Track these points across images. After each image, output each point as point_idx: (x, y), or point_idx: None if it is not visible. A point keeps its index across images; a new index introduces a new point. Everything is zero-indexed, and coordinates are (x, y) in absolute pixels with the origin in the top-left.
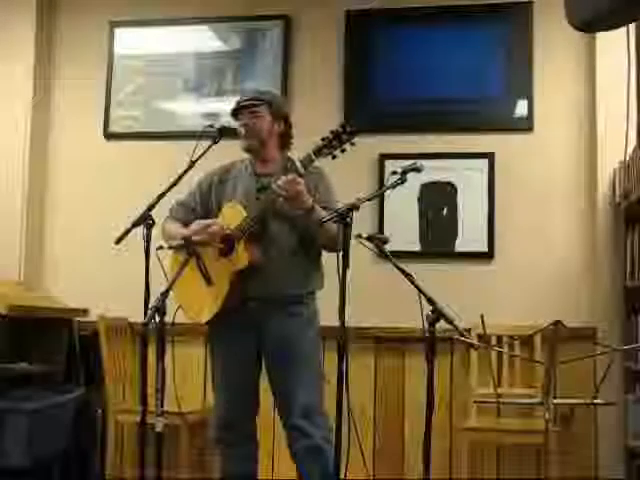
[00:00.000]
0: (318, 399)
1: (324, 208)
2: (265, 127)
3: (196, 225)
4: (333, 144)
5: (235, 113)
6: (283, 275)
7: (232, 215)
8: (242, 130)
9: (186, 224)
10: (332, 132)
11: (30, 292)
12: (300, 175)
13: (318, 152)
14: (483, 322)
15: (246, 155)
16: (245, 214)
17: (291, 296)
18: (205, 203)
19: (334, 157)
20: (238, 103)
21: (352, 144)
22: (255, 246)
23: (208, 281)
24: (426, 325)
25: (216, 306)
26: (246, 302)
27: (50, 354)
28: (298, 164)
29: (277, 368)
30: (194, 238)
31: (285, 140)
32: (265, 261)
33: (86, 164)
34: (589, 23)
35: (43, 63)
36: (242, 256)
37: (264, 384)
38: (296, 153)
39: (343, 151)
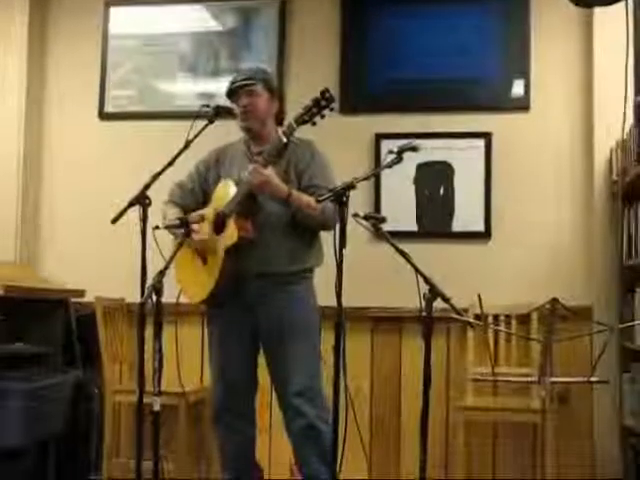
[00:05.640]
0: (315, 378)
1: (312, 186)
2: (264, 106)
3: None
4: (313, 111)
5: (231, 93)
6: (278, 253)
7: (224, 192)
8: (240, 110)
9: (184, 207)
10: (312, 100)
11: (26, 273)
12: (285, 145)
13: (299, 120)
14: (480, 301)
15: (241, 134)
16: (235, 191)
17: (287, 274)
18: (203, 185)
19: (314, 124)
20: (233, 83)
21: (331, 109)
22: (247, 222)
23: (204, 260)
24: (423, 304)
25: (210, 284)
26: (242, 280)
27: (47, 335)
28: (281, 134)
29: (273, 347)
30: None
31: (280, 117)
32: (259, 238)
33: (81, 145)
34: None
35: (37, 43)
36: (232, 232)
37: (263, 364)
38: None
39: (323, 117)
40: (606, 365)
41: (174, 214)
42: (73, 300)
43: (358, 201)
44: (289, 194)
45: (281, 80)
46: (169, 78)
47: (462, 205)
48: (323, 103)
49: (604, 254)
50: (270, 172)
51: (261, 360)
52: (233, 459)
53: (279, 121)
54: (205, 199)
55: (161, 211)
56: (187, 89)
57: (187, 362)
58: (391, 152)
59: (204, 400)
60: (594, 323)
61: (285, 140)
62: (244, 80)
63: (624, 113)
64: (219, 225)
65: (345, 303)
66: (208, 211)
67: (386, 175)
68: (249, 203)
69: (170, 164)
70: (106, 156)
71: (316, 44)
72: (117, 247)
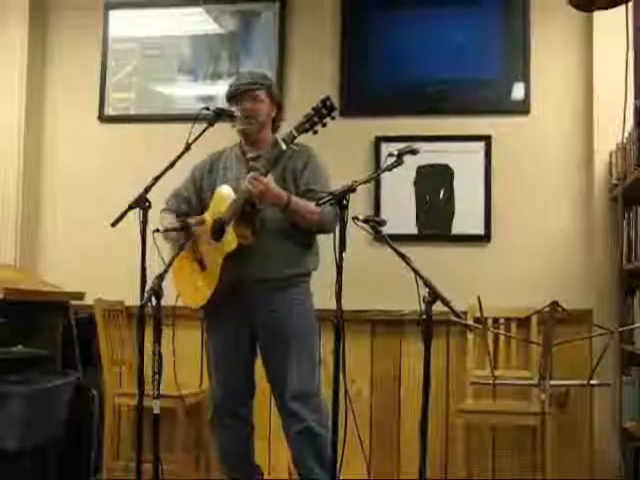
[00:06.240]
0: (312, 382)
1: (310, 191)
2: (265, 111)
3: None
4: (314, 119)
5: (232, 97)
6: (277, 258)
7: (221, 199)
8: (241, 114)
9: (180, 215)
10: (313, 108)
11: (26, 276)
12: (282, 152)
13: (300, 128)
14: (480, 304)
15: (236, 140)
16: (234, 197)
17: (285, 278)
18: (198, 193)
19: (315, 132)
20: (237, 87)
21: (332, 118)
22: (246, 228)
23: (202, 266)
24: (423, 307)
25: (209, 291)
26: (240, 286)
27: (46, 338)
28: (281, 142)
29: (271, 351)
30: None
31: (276, 124)
32: (257, 243)
33: (82, 147)
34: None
35: (37, 45)
36: (232, 239)
37: (261, 369)
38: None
39: (324, 125)
40: (606, 368)
41: (172, 220)
42: (73, 303)
43: (358, 204)
44: (288, 201)
45: (281, 83)
46: (169, 81)
47: (462, 208)
48: (324, 112)
49: (604, 257)
50: (269, 180)
51: (260, 364)
52: (232, 460)
53: (275, 128)
54: (202, 206)
55: (160, 219)
56: (187, 92)
57: (186, 365)
58: (391, 155)
59: (203, 403)
60: (594, 326)
61: (284, 148)
62: (249, 84)
63: (624, 116)
64: (217, 232)
65: (345, 306)
66: (206, 217)
67: (386, 178)
68: (248, 210)
69: (170, 167)
70: (106, 159)
71: (316, 47)
72: (117, 250)
